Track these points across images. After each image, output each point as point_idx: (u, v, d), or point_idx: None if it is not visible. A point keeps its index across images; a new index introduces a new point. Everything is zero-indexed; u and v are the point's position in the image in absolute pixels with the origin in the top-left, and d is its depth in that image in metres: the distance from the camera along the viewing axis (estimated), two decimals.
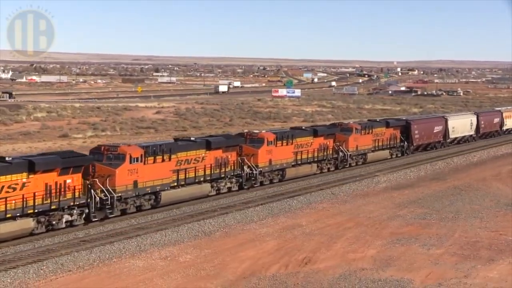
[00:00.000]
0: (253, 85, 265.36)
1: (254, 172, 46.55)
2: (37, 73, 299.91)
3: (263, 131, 50.11)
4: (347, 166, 57.01)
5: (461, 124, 78.77)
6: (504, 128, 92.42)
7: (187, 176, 41.44)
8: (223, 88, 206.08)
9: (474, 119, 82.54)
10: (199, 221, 37.87)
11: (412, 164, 62.19)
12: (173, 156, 40.28)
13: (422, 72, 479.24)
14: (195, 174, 42.05)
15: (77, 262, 29.82)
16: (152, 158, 38.80)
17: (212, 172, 43.27)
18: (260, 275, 28.79)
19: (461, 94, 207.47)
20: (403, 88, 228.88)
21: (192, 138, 44.72)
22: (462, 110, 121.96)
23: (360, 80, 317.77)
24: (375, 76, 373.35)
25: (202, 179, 42.57)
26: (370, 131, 60.29)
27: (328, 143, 54.65)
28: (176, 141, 43.99)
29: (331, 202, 44.97)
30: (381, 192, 49.25)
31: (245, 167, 46.24)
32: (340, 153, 56.15)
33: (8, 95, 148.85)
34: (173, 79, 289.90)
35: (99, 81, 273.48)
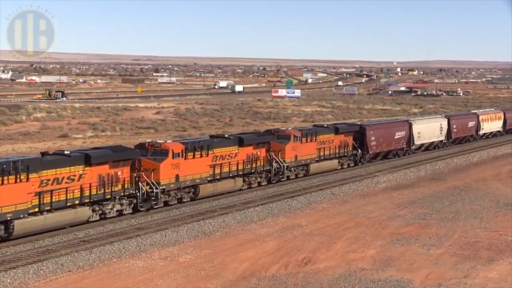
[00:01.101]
0: (253, 85, 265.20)
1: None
2: (37, 73, 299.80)
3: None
4: (283, 179, 50.13)
5: (429, 129, 71.21)
6: (481, 132, 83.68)
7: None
8: (239, 88, 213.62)
9: (444, 123, 74.58)
10: (199, 221, 37.88)
11: (412, 164, 62.21)
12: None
13: (422, 72, 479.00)
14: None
15: (77, 262, 29.82)
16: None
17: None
18: (260, 275, 28.80)
19: (461, 94, 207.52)
20: (403, 88, 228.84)
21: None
22: (462, 109, 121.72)
23: (363, 80, 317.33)
24: (374, 76, 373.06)
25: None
26: (314, 138, 53.16)
27: (259, 153, 48.09)
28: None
29: (331, 202, 44.98)
30: (381, 192, 49.26)
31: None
32: (275, 164, 49.38)
33: (60, 94, 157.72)
34: (173, 79, 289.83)
35: (99, 81, 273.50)
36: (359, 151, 58.99)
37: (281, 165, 49.25)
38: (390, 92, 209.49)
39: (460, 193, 48.68)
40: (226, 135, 47.89)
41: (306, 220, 39.56)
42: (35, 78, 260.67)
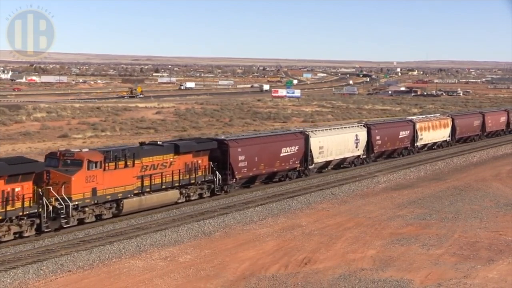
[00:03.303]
0: (253, 85, 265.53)
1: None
2: (37, 73, 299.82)
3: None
4: (67, 225, 34.63)
5: (338, 142, 56.11)
6: (419, 144, 69.17)
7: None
8: (266, 87, 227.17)
9: (362, 134, 59.67)
10: (199, 221, 37.88)
11: (412, 164, 62.14)
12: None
13: (421, 72, 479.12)
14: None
15: (76, 263, 29.84)
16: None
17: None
18: (260, 275, 28.80)
19: (461, 94, 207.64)
20: (402, 88, 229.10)
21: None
22: (462, 109, 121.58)
23: (351, 82, 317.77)
24: (374, 76, 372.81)
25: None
26: (132, 162, 38.12)
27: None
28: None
29: (331, 202, 44.97)
30: (381, 192, 49.26)
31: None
32: (54, 203, 34.18)
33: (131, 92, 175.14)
34: (173, 79, 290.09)
35: (99, 81, 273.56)
36: (218, 175, 43.99)
37: (64, 204, 34.02)
38: (390, 92, 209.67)
39: (460, 193, 48.67)
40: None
41: (306, 220, 39.57)
42: (35, 78, 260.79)
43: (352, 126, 61.39)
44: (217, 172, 43.87)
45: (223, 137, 48.56)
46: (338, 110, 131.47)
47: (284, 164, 49.96)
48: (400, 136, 65.48)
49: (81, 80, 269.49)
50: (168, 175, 40.41)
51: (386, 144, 63.27)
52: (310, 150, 52.42)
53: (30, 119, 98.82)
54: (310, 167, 52.81)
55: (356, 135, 58.81)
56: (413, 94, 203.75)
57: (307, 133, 52.97)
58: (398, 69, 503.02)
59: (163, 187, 40.22)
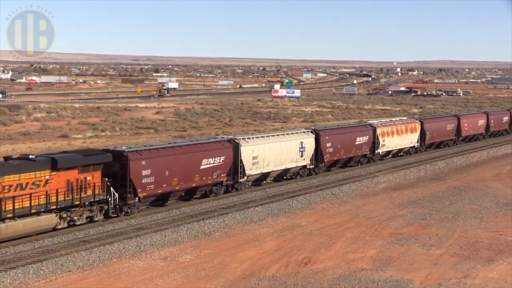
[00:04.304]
0: (253, 85, 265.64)
1: None
2: (36, 73, 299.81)
3: None
4: None
5: (277, 151, 49.22)
6: (380, 151, 62.06)
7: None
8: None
9: (308, 141, 52.56)
10: (199, 221, 37.88)
11: (412, 164, 62.13)
12: None
13: (421, 72, 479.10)
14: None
15: (76, 263, 29.84)
16: None
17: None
18: (260, 276, 28.80)
19: (461, 94, 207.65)
20: (402, 88, 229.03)
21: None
22: (462, 109, 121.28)
23: (355, 81, 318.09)
24: (373, 76, 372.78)
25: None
26: None
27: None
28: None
29: (331, 203, 44.97)
30: (380, 192, 49.25)
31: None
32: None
33: (166, 91, 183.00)
34: (173, 79, 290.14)
35: (99, 81, 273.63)
36: (115, 194, 37.10)
37: None
38: (390, 92, 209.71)
39: (460, 193, 48.66)
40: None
41: (306, 220, 39.57)
42: (35, 78, 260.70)
43: (297, 132, 53.28)
44: (112, 190, 36.72)
45: (123, 148, 39.76)
46: (338, 110, 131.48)
47: (205, 178, 42.94)
48: (357, 143, 58.40)
49: (81, 80, 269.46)
50: (41, 196, 33.26)
51: (339, 152, 56.14)
52: (241, 160, 45.69)
53: (30, 119, 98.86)
54: (241, 180, 45.94)
55: (301, 143, 51.79)
56: (413, 94, 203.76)
57: (237, 141, 46.05)
58: (398, 69, 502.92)
59: (33, 211, 32.92)
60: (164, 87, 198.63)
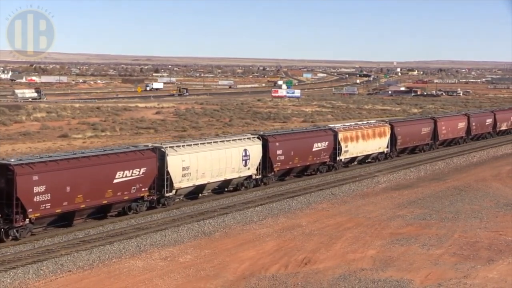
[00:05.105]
0: (253, 85, 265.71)
1: None
2: (36, 73, 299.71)
3: None
4: None
5: (214, 160, 43.60)
6: (342, 157, 56.75)
7: None
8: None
9: (254, 148, 47.06)
10: (199, 221, 37.88)
11: (412, 164, 62.13)
12: None
13: (421, 73, 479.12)
14: None
15: (77, 263, 29.85)
16: None
17: None
18: (260, 276, 28.81)
19: (461, 94, 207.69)
20: (402, 88, 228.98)
21: None
22: (462, 110, 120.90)
23: (358, 81, 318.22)
24: (373, 76, 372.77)
25: None
26: None
27: None
28: None
29: (331, 203, 44.97)
30: (380, 192, 49.25)
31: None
32: None
33: (185, 90, 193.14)
34: (173, 79, 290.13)
35: (99, 81, 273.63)
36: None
37: None
38: (390, 92, 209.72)
39: (460, 193, 48.67)
40: None
41: (306, 220, 39.57)
42: (35, 78, 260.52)
43: (239, 139, 47.23)
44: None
45: (12, 160, 33.84)
46: (338, 110, 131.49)
47: (120, 194, 37.33)
48: (314, 149, 53.14)
49: (81, 80, 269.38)
50: None
51: (292, 159, 50.70)
52: (168, 172, 40.22)
53: (30, 119, 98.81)
54: (168, 194, 40.59)
55: (245, 150, 46.21)
56: (413, 94, 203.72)
57: (162, 149, 40.34)
58: (398, 69, 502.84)
59: None
60: (148, 87, 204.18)
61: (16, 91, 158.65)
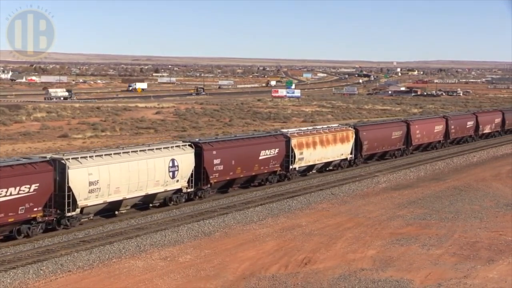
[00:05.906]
0: (253, 85, 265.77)
1: None
2: (36, 73, 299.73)
3: None
4: None
5: (132, 173, 37.94)
6: (297, 166, 51.00)
7: None
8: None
9: (185, 157, 41.52)
10: (199, 221, 37.88)
11: (412, 164, 62.11)
12: None
13: (421, 73, 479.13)
14: None
15: (76, 263, 29.85)
16: None
17: None
18: (260, 276, 28.81)
19: (461, 94, 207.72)
20: (402, 88, 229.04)
21: None
22: (462, 109, 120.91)
23: (360, 81, 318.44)
24: (373, 76, 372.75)
25: None
26: None
27: None
28: None
29: (331, 203, 44.97)
30: (380, 192, 49.25)
31: None
32: None
33: (202, 89, 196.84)
34: (173, 79, 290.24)
35: (99, 81, 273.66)
36: None
37: None
38: (390, 92, 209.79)
39: (460, 193, 48.67)
40: None
41: (306, 220, 39.57)
42: (35, 78, 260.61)
43: (166, 147, 41.22)
44: None
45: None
46: (338, 110, 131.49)
47: (4, 216, 31.59)
48: (261, 157, 47.24)
49: (81, 80, 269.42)
50: None
51: (234, 169, 44.98)
52: (70, 188, 34.26)
53: (30, 119, 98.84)
54: (70, 214, 34.54)
55: (173, 160, 40.46)
56: (413, 94, 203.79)
57: (63, 162, 34.29)
58: (398, 69, 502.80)
59: None
60: (130, 87, 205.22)
61: (50, 90, 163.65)
